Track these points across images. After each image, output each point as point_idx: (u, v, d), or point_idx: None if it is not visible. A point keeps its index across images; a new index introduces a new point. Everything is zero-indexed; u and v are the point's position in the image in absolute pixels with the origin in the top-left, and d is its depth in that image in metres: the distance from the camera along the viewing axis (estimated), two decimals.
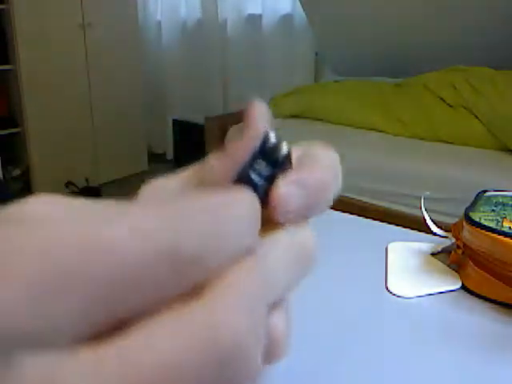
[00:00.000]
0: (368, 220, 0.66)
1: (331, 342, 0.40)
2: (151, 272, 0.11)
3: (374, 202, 1.96)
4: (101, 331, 0.11)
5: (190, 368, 0.11)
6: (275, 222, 0.16)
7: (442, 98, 2.23)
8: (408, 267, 0.52)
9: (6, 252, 0.10)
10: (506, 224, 0.45)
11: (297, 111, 2.65)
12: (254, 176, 0.16)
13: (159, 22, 3.74)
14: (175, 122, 3.50)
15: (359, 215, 0.67)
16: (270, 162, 0.17)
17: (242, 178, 0.16)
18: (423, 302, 0.46)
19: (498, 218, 0.47)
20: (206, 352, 0.11)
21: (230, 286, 0.12)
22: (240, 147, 0.17)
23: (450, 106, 2.20)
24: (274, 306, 0.17)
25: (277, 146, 0.17)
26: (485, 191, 0.57)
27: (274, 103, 2.73)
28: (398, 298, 0.47)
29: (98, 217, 0.12)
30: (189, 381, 0.11)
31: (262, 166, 0.17)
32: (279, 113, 2.69)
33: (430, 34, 2.45)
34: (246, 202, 0.14)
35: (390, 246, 0.57)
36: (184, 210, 0.13)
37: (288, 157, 0.17)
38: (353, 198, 2.02)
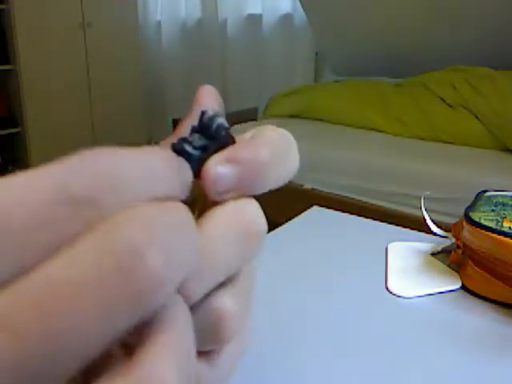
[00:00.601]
0: (368, 220, 0.66)
1: (331, 341, 0.40)
2: (44, 219, 0.12)
3: (374, 202, 1.96)
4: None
5: (82, 277, 0.11)
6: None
7: (442, 98, 2.23)
8: (408, 267, 0.52)
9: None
10: (506, 224, 0.45)
11: (297, 111, 2.65)
12: (187, 147, 0.17)
13: (159, 22, 3.74)
14: (175, 122, 3.50)
15: (359, 215, 0.67)
16: (206, 135, 0.18)
17: (177, 150, 0.17)
18: (423, 302, 0.46)
19: (498, 217, 0.47)
20: (101, 259, 0.11)
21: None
22: (181, 124, 0.18)
23: (450, 106, 2.20)
24: (222, 284, 0.17)
25: (212, 120, 0.18)
26: (485, 191, 0.57)
27: (273, 103, 2.73)
28: (398, 298, 0.47)
29: None
30: (82, 291, 0.11)
31: (196, 138, 0.18)
32: (279, 113, 2.69)
33: (429, 34, 2.45)
34: (153, 159, 0.14)
35: (390, 246, 0.57)
36: (70, 159, 0.13)
37: (225, 130, 0.18)
38: (353, 198, 2.02)
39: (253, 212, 0.17)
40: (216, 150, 0.17)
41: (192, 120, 0.18)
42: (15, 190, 0.12)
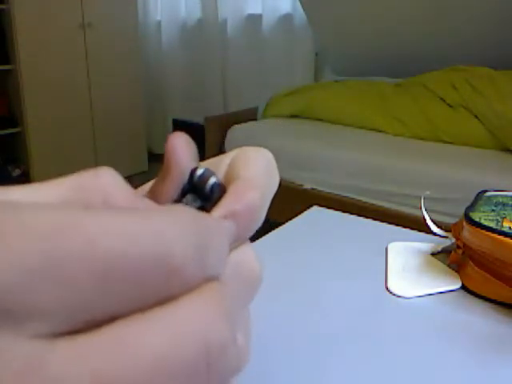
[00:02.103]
0: (368, 220, 0.66)
1: (331, 341, 0.40)
2: (139, 275, 0.12)
3: (374, 202, 1.96)
4: (88, 327, 0.11)
5: (181, 362, 0.12)
6: None
7: (442, 98, 2.23)
8: (408, 267, 0.52)
9: (7, 233, 0.10)
10: (506, 224, 0.45)
11: (297, 111, 2.66)
12: None
13: (159, 22, 3.74)
14: (175, 122, 3.50)
15: (359, 215, 0.67)
16: (200, 195, 0.18)
17: None
18: (423, 302, 0.46)
19: (498, 217, 0.47)
20: (197, 348, 0.12)
21: (209, 293, 0.13)
22: (161, 182, 0.18)
23: (450, 106, 2.20)
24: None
25: (203, 179, 0.18)
26: (485, 191, 0.57)
27: (273, 103, 2.73)
28: (398, 298, 0.47)
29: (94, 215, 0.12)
30: (178, 373, 0.12)
31: (191, 200, 0.17)
32: (279, 113, 2.69)
33: (429, 34, 2.45)
34: (226, 227, 0.15)
35: (390, 246, 0.57)
36: (176, 217, 0.13)
37: (219, 188, 0.18)
38: (353, 198, 2.02)
39: (251, 260, 0.18)
40: (211, 207, 0.17)
41: (173, 182, 0.18)
42: (131, 234, 0.12)
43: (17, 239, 0.10)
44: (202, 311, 0.13)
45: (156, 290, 0.12)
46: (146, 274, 0.12)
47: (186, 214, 0.13)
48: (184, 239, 0.13)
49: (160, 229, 0.12)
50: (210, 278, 0.14)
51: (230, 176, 0.19)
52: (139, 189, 0.20)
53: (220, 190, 0.18)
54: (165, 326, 0.12)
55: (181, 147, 0.18)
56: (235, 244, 0.17)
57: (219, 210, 0.17)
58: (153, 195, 0.18)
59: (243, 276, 0.17)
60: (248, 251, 0.18)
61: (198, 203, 0.18)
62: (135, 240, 0.12)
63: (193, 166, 0.18)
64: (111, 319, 0.12)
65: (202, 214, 0.14)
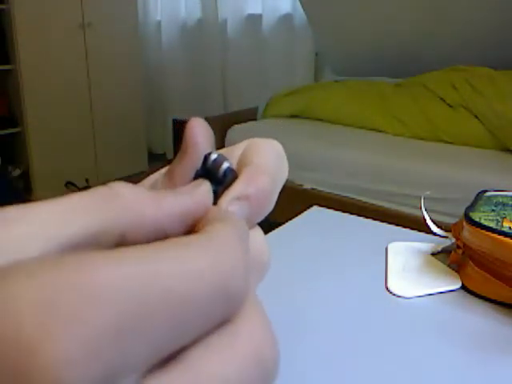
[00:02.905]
0: (368, 220, 0.66)
1: (331, 341, 0.40)
2: (205, 310, 0.13)
3: (374, 202, 1.96)
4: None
5: (243, 381, 0.13)
6: None
7: (442, 98, 2.23)
8: (408, 267, 0.52)
9: (82, 293, 0.11)
10: (506, 224, 0.45)
11: (297, 111, 2.65)
12: None
13: (159, 22, 3.74)
14: (175, 122, 3.50)
15: (359, 215, 0.67)
16: (212, 179, 0.18)
17: None
18: (423, 302, 0.46)
19: (498, 217, 0.47)
20: (256, 367, 0.13)
21: (255, 313, 0.15)
22: (177, 166, 0.18)
23: (450, 106, 2.20)
24: None
25: (217, 164, 0.18)
26: (485, 191, 0.56)
27: (273, 103, 2.73)
28: (398, 298, 0.47)
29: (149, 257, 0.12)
30: None
31: None
32: (279, 113, 2.69)
33: (429, 34, 2.45)
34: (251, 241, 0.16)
35: (390, 246, 0.57)
36: (227, 247, 0.14)
37: (232, 173, 0.18)
38: (353, 198, 2.02)
39: (261, 243, 0.19)
40: (222, 191, 0.18)
41: (191, 162, 0.18)
42: (191, 274, 0.12)
43: (95, 300, 0.11)
44: (256, 332, 0.14)
45: (219, 319, 0.13)
46: (211, 309, 0.13)
47: (236, 241, 0.14)
48: (240, 271, 0.13)
49: (220, 263, 0.13)
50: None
51: (242, 164, 0.19)
52: (144, 181, 0.20)
53: (232, 176, 0.18)
54: (228, 354, 0.13)
55: (200, 131, 0.18)
56: (249, 227, 0.18)
57: (231, 193, 0.17)
58: (170, 176, 0.18)
59: (253, 260, 0.18)
60: (257, 235, 0.19)
61: (212, 187, 0.18)
62: (201, 281, 0.12)
63: (208, 150, 0.19)
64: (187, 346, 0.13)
65: (241, 227, 0.15)
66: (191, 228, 0.16)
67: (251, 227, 0.18)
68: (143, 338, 0.11)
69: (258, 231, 0.19)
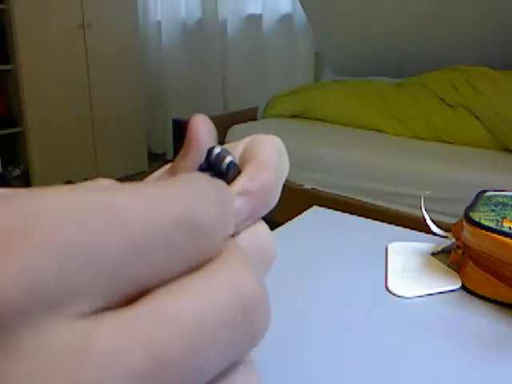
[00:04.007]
0: (368, 220, 0.66)
1: (331, 341, 0.40)
2: (167, 240, 0.12)
3: (374, 202, 1.96)
4: (123, 300, 0.12)
5: (221, 319, 0.12)
6: None
7: (441, 98, 2.23)
8: (408, 267, 0.52)
9: (34, 217, 0.11)
10: (506, 224, 0.45)
11: (297, 111, 2.66)
12: None
13: (159, 22, 3.74)
14: (175, 122, 3.50)
15: (359, 215, 0.67)
16: (216, 173, 0.18)
17: None
18: (423, 302, 0.46)
19: (498, 217, 0.47)
20: (235, 303, 0.13)
21: (236, 256, 0.14)
22: (185, 165, 0.18)
23: (450, 106, 2.20)
24: None
25: (220, 158, 0.18)
26: (485, 191, 0.56)
27: (273, 103, 2.73)
28: (398, 298, 0.47)
29: (113, 189, 0.12)
30: (221, 326, 0.12)
31: None
32: (279, 113, 2.69)
33: (430, 33, 2.45)
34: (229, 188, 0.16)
35: (390, 246, 0.57)
36: (195, 184, 0.14)
37: (235, 167, 0.19)
38: (353, 198, 2.02)
39: (265, 237, 0.19)
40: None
41: (194, 157, 0.18)
42: (152, 202, 0.12)
43: (46, 225, 0.11)
44: (234, 269, 0.13)
45: (186, 255, 0.13)
46: (175, 238, 0.12)
47: (202, 178, 0.14)
48: (208, 202, 0.13)
49: (182, 194, 0.13)
50: (228, 237, 0.14)
51: (245, 160, 0.20)
52: (147, 178, 0.20)
53: (236, 170, 0.19)
54: (201, 288, 0.12)
55: (203, 127, 0.18)
56: (249, 222, 0.18)
57: (234, 188, 0.18)
58: (173, 171, 0.19)
59: (257, 253, 0.18)
60: (261, 229, 0.19)
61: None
62: (158, 207, 0.12)
63: (211, 145, 0.19)
64: (147, 291, 0.12)
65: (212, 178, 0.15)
66: None
67: (255, 221, 0.18)
68: (87, 259, 0.11)
69: (263, 226, 0.19)
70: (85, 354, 0.10)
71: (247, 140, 0.21)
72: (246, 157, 0.20)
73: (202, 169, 0.18)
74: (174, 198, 0.13)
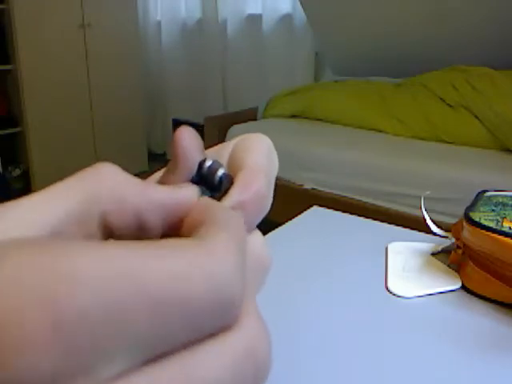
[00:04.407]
0: (368, 220, 0.66)
1: (331, 341, 0.40)
2: (193, 314, 0.12)
3: (374, 202, 1.96)
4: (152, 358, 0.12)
5: (236, 379, 0.13)
6: None
7: (441, 98, 2.23)
8: (408, 267, 0.52)
9: (60, 278, 0.11)
10: (506, 224, 0.45)
11: (297, 111, 2.65)
12: None
13: (159, 22, 3.74)
14: (175, 122, 3.50)
15: (359, 215, 0.67)
16: (208, 186, 0.18)
17: None
18: (423, 302, 0.46)
19: (498, 217, 0.47)
20: (248, 365, 0.13)
21: (254, 316, 0.14)
22: (174, 179, 0.18)
23: (450, 106, 2.20)
24: None
25: (212, 170, 0.18)
26: (485, 191, 0.56)
27: (273, 103, 2.73)
28: (398, 298, 0.47)
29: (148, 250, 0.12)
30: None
31: (199, 191, 0.18)
32: (279, 113, 2.69)
33: (430, 34, 2.45)
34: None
35: (390, 246, 0.57)
36: (222, 252, 0.13)
37: (227, 179, 0.18)
38: (353, 198, 2.02)
39: (260, 247, 0.19)
40: (219, 197, 0.18)
41: (183, 171, 0.18)
42: (181, 277, 0.12)
43: (73, 286, 0.11)
44: (248, 327, 0.14)
45: (211, 325, 0.13)
46: (201, 314, 0.12)
47: (231, 246, 0.14)
48: (234, 276, 0.13)
49: (212, 269, 0.13)
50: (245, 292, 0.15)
51: (234, 163, 0.20)
52: (148, 179, 0.20)
53: (228, 181, 0.18)
54: (219, 352, 0.13)
55: (188, 140, 0.18)
56: (248, 231, 0.18)
57: (228, 201, 0.18)
58: (163, 184, 0.18)
59: (253, 264, 0.18)
60: (257, 239, 0.19)
61: (207, 194, 0.18)
62: (191, 284, 0.12)
63: (201, 158, 0.19)
64: (176, 351, 0.13)
65: (239, 233, 0.15)
66: (174, 227, 0.16)
67: (250, 231, 0.18)
68: (115, 329, 0.11)
69: (258, 235, 0.19)
70: None
71: (235, 142, 0.21)
72: (235, 162, 0.20)
73: (193, 181, 0.18)
74: (200, 271, 0.12)
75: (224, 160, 0.20)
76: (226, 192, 0.18)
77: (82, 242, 0.12)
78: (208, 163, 0.18)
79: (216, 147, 0.22)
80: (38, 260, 0.11)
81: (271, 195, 0.19)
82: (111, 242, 0.13)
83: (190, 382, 0.12)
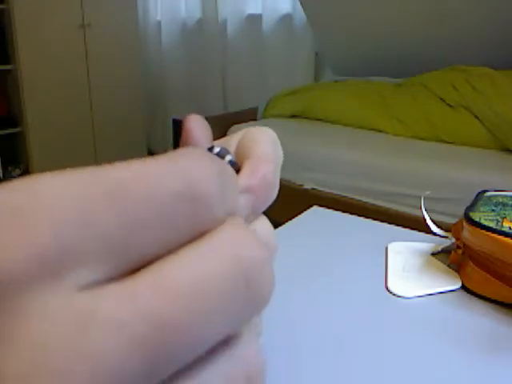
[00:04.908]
0: (368, 220, 0.66)
1: (331, 341, 0.40)
2: (165, 211, 0.12)
3: (374, 202, 1.96)
4: (125, 272, 0.12)
5: (221, 283, 0.12)
6: None
7: (441, 98, 2.23)
8: (408, 267, 0.52)
9: (33, 195, 0.11)
10: (506, 224, 0.45)
11: (297, 111, 2.65)
12: None
13: (159, 22, 3.74)
14: (175, 122, 3.50)
15: (359, 215, 0.67)
16: None
17: None
18: (423, 302, 0.46)
19: (498, 217, 0.47)
20: (234, 268, 0.13)
21: (236, 225, 0.14)
22: None
23: (450, 106, 2.20)
24: None
25: (220, 157, 0.19)
26: (485, 191, 0.56)
27: (274, 103, 2.73)
28: (398, 298, 0.47)
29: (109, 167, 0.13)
30: (221, 293, 0.12)
31: None
32: (279, 113, 2.69)
33: (430, 34, 2.45)
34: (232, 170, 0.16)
35: (390, 246, 0.57)
36: (198, 157, 0.14)
37: (235, 166, 0.19)
38: (353, 198, 2.02)
39: (268, 231, 0.19)
40: None
41: None
42: (150, 175, 0.12)
43: (44, 202, 0.11)
44: (232, 234, 0.13)
45: (186, 226, 0.13)
46: (174, 210, 0.12)
47: (207, 155, 0.14)
48: (208, 175, 0.13)
49: (185, 168, 0.13)
50: (232, 214, 0.14)
51: (241, 153, 0.20)
52: None
53: (235, 168, 0.19)
54: (199, 256, 0.13)
55: (198, 127, 0.18)
56: (251, 217, 0.18)
57: None
58: None
59: None
60: (263, 224, 0.19)
61: None
62: (161, 180, 0.12)
63: (209, 145, 0.19)
64: (148, 263, 0.12)
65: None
66: None
67: (257, 216, 0.19)
68: (86, 233, 0.11)
69: (264, 220, 0.19)
70: (90, 322, 0.11)
71: (240, 134, 0.21)
72: (242, 152, 0.20)
73: None
74: (171, 169, 0.13)
75: (231, 150, 0.21)
76: None
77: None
78: (216, 150, 0.19)
79: (222, 139, 0.22)
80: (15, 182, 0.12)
81: (277, 183, 0.19)
82: None
83: (165, 292, 0.12)
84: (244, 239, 0.14)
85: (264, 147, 0.20)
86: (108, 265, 0.12)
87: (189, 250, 0.13)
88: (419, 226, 0.64)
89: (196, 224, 0.13)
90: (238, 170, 0.19)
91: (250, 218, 0.18)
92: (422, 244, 0.57)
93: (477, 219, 0.47)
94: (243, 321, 0.13)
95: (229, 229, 0.14)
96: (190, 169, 0.13)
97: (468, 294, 0.47)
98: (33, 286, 0.11)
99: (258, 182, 0.18)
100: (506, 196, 0.54)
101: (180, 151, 0.14)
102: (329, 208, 0.69)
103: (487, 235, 0.45)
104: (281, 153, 0.21)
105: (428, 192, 1.41)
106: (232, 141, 0.21)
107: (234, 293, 0.13)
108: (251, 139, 0.20)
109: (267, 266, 0.14)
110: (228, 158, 0.19)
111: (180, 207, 0.12)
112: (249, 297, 0.13)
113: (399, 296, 0.47)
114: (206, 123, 0.19)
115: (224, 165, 0.15)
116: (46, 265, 0.11)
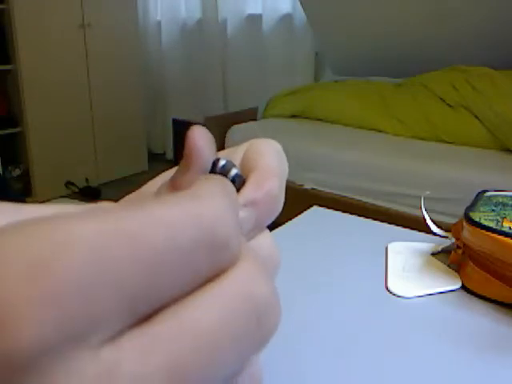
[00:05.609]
0: (368, 220, 0.66)
1: (331, 341, 0.40)
2: (187, 258, 0.12)
3: (375, 202, 1.96)
4: (144, 315, 0.12)
5: (236, 322, 0.13)
6: None
7: (441, 98, 2.23)
8: (408, 267, 0.52)
9: (55, 245, 0.11)
10: (506, 224, 0.45)
11: (297, 111, 2.66)
12: None
13: (159, 22, 3.74)
14: (175, 122, 3.50)
15: (359, 215, 0.67)
16: None
17: None
18: (423, 302, 0.46)
19: (498, 217, 0.47)
20: (248, 309, 0.13)
21: (249, 263, 0.14)
22: (188, 178, 0.18)
23: (450, 106, 2.20)
24: None
25: (225, 170, 0.18)
26: (485, 191, 0.56)
27: (274, 103, 2.73)
28: (398, 298, 0.47)
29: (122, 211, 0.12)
30: (236, 335, 0.13)
31: None
32: (279, 113, 2.69)
33: (429, 34, 2.45)
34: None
35: (390, 246, 0.57)
36: (210, 197, 0.14)
37: (240, 179, 0.19)
38: (353, 198, 2.02)
39: (270, 246, 0.19)
40: None
41: (197, 170, 0.18)
42: (171, 223, 0.12)
43: (66, 253, 0.10)
44: (246, 273, 0.14)
45: (205, 269, 0.13)
46: (195, 257, 0.12)
47: (217, 186, 0.14)
48: (226, 217, 0.13)
49: (197, 212, 0.13)
50: (243, 241, 0.15)
51: (246, 166, 0.20)
52: (155, 179, 0.20)
53: (241, 182, 0.19)
54: (215, 299, 0.13)
55: (202, 139, 0.18)
56: (255, 232, 0.18)
57: (240, 199, 0.18)
58: (174, 185, 0.18)
59: (268, 265, 0.18)
60: (267, 238, 0.19)
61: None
62: (181, 228, 0.12)
63: (214, 157, 0.19)
64: (166, 304, 0.12)
65: (226, 182, 0.15)
66: None
67: (261, 230, 0.19)
68: (110, 289, 0.11)
69: (267, 234, 0.19)
70: (116, 377, 0.11)
71: (245, 146, 0.21)
72: (247, 165, 0.20)
73: None
74: (191, 214, 0.13)
75: (236, 163, 0.20)
76: (238, 192, 0.18)
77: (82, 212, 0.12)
78: (222, 162, 0.19)
79: (226, 151, 0.22)
80: (32, 229, 0.11)
81: (283, 197, 0.19)
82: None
83: (182, 337, 0.12)
84: (257, 276, 0.14)
85: (269, 160, 0.20)
86: (130, 318, 0.11)
87: (205, 294, 0.13)
88: (419, 225, 0.64)
89: (215, 266, 0.13)
90: (243, 183, 0.18)
91: (253, 232, 0.18)
92: (422, 244, 0.57)
93: (477, 219, 0.47)
94: (252, 354, 0.14)
95: (242, 267, 0.14)
96: (208, 212, 0.13)
97: (468, 294, 0.47)
98: (57, 356, 0.10)
99: (263, 196, 0.18)
100: (506, 196, 0.54)
101: (196, 190, 0.14)
102: (329, 208, 0.69)
103: (487, 235, 0.45)
104: (286, 166, 0.21)
105: (428, 192, 1.41)
106: (237, 153, 0.21)
107: (246, 332, 0.13)
108: (256, 151, 0.20)
109: (276, 303, 0.14)
110: (233, 171, 0.19)
111: (200, 253, 0.12)
112: (259, 334, 0.13)
113: (399, 296, 0.47)
114: (209, 134, 0.19)
115: (233, 191, 0.15)
116: (71, 330, 0.10)
